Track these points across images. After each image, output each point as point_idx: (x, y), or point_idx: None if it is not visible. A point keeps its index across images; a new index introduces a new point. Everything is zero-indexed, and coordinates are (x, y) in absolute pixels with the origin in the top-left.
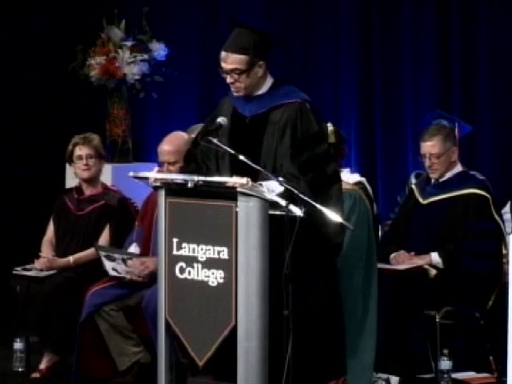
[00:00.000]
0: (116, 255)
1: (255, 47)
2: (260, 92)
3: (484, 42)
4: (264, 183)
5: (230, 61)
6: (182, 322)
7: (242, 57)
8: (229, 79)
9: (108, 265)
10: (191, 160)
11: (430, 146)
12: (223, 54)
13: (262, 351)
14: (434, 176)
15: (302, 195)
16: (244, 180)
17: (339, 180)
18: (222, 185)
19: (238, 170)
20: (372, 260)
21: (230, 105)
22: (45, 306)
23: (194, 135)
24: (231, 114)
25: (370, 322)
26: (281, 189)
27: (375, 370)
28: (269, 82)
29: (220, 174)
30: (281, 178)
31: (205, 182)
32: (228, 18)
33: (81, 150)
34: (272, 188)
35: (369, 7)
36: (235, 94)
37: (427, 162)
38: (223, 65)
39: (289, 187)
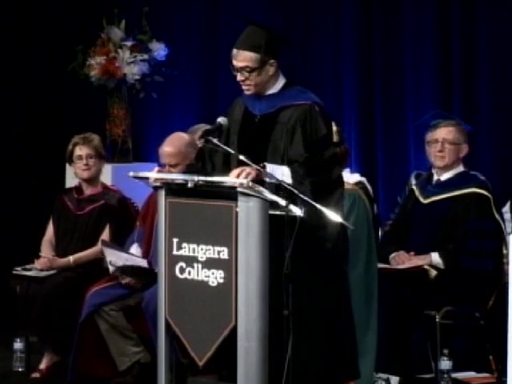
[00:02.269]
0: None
1: (267, 45)
2: (271, 91)
3: (484, 42)
4: (268, 165)
5: (241, 58)
6: (182, 322)
7: (253, 54)
8: (239, 77)
9: (109, 258)
10: (200, 159)
11: (446, 132)
12: (234, 51)
13: (262, 351)
14: (439, 164)
15: (301, 195)
16: (244, 180)
17: (342, 184)
18: (222, 185)
19: (245, 166)
20: (372, 259)
21: (242, 104)
22: (45, 306)
23: (196, 135)
24: (243, 113)
25: (371, 322)
26: (285, 176)
27: (375, 370)
28: (280, 82)
29: (227, 170)
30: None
31: (205, 181)
32: (229, 18)
33: (81, 150)
34: (277, 172)
35: (370, 7)
36: (246, 93)
37: (438, 147)
38: (234, 62)
39: (288, 187)
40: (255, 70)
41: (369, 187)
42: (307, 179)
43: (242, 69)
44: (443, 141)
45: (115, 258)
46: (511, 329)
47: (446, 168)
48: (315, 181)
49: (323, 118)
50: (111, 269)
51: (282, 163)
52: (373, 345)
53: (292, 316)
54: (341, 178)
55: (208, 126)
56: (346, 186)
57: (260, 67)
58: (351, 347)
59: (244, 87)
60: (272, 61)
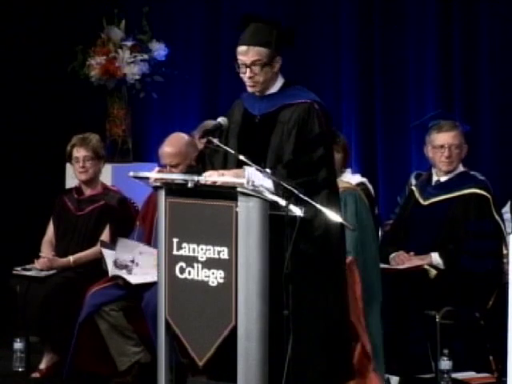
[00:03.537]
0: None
1: (275, 41)
2: (271, 91)
3: (485, 43)
4: (248, 168)
5: (252, 53)
6: (182, 322)
7: (265, 49)
8: (248, 73)
9: (109, 261)
10: (201, 160)
11: (451, 137)
12: (243, 48)
13: (262, 351)
14: (446, 169)
15: (290, 187)
16: (244, 180)
17: (331, 186)
18: (221, 185)
19: (244, 167)
20: (377, 262)
21: (241, 105)
22: (45, 306)
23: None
24: (242, 114)
25: (376, 322)
26: (266, 182)
27: None
28: (280, 81)
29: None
30: (268, 170)
31: (205, 182)
32: (230, 18)
33: (78, 152)
34: (257, 176)
35: (370, 7)
36: (251, 90)
37: (446, 153)
38: (243, 58)
39: (278, 181)
40: (266, 66)
41: (370, 188)
42: (289, 182)
43: (252, 64)
44: (450, 146)
45: (124, 252)
46: (511, 329)
47: (454, 169)
48: (298, 183)
49: (321, 117)
50: (110, 271)
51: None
52: (380, 345)
53: (292, 316)
54: (328, 179)
55: (214, 122)
56: (346, 186)
57: (269, 63)
58: (346, 348)
59: (250, 84)
60: (278, 57)
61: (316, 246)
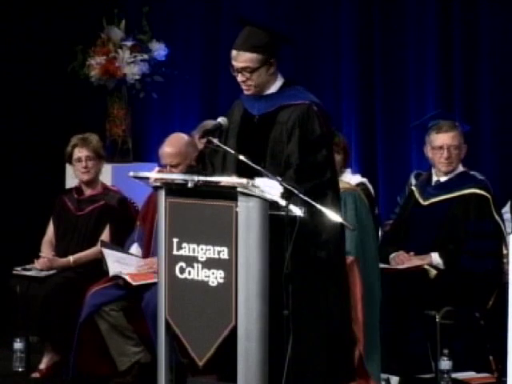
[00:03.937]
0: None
1: (267, 45)
2: (270, 91)
3: (486, 42)
4: (258, 179)
5: (242, 59)
6: (182, 322)
7: (254, 55)
8: (240, 77)
9: (111, 262)
10: (201, 161)
11: (450, 137)
12: (234, 52)
13: (262, 351)
14: (446, 170)
15: (302, 195)
16: (244, 180)
17: (335, 186)
18: (221, 185)
19: (243, 167)
20: (376, 258)
21: (241, 106)
22: (45, 306)
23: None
24: (242, 114)
25: (375, 322)
26: (276, 188)
27: None
28: (279, 81)
29: (225, 172)
30: (279, 178)
31: (205, 181)
32: (230, 18)
33: (80, 152)
34: (268, 185)
35: (370, 7)
36: (246, 93)
37: (445, 154)
38: (234, 63)
39: (288, 187)
40: (256, 71)
41: (370, 188)
42: (299, 188)
43: (242, 69)
44: (449, 147)
45: (114, 259)
46: (511, 329)
47: (453, 170)
48: (308, 187)
49: (321, 118)
50: (111, 271)
51: (280, 163)
52: (377, 345)
53: (292, 316)
54: (332, 180)
55: (214, 122)
56: (346, 186)
57: (260, 67)
58: (348, 349)
59: (244, 87)
60: (272, 60)
61: (316, 245)
